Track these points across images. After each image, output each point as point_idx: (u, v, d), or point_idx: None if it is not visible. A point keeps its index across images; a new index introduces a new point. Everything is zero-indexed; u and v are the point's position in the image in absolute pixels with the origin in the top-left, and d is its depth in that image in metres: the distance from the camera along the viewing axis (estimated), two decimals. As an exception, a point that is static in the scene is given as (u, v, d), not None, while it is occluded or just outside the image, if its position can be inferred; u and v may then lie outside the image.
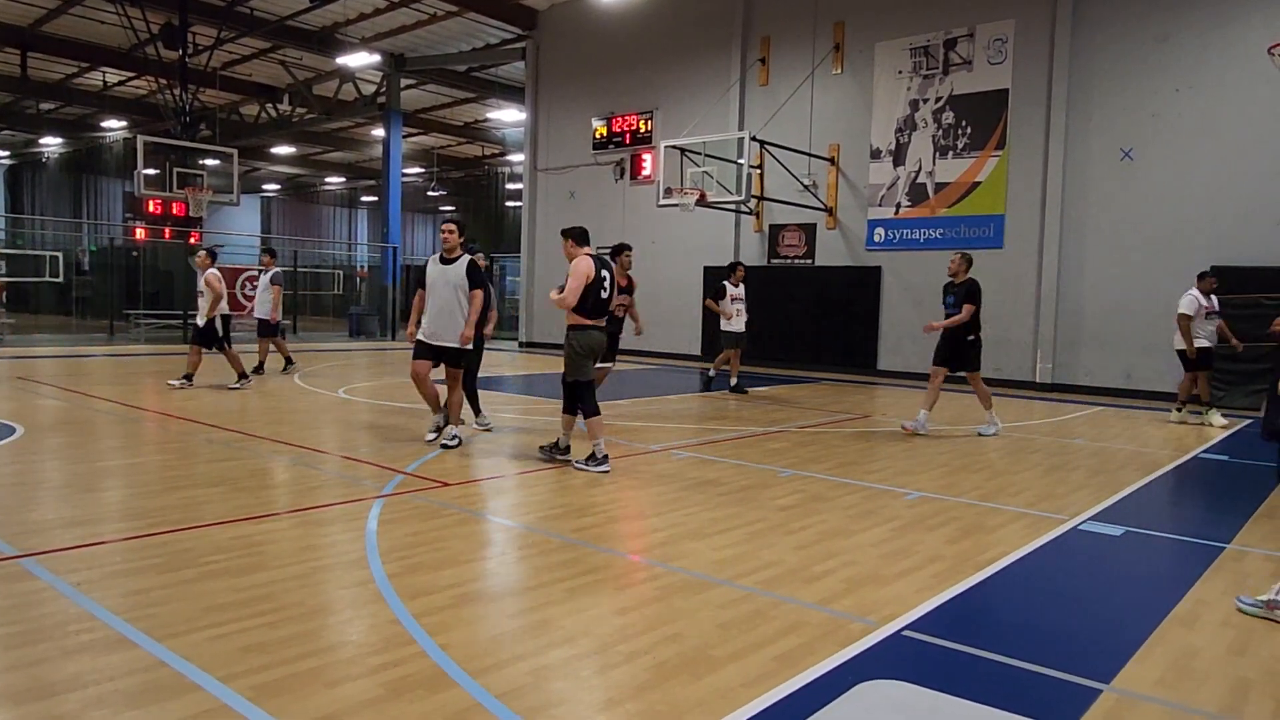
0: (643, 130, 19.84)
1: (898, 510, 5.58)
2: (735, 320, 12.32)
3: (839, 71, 16.72)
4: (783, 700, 2.83)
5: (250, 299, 25.24)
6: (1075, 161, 14.08)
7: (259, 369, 12.62)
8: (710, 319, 18.68)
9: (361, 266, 34.90)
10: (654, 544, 4.67)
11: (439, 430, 7.52)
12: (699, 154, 15.56)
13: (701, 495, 5.82)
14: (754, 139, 15.52)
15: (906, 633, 3.46)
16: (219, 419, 8.49)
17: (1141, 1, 13.47)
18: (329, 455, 6.87)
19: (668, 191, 15.48)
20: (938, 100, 15.52)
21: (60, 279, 25.60)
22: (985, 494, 6.15)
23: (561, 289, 6.64)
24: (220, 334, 11.01)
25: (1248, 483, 7.13)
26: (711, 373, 13.10)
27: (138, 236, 27.52)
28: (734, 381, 12.57)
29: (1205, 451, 8.51)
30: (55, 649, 3.06)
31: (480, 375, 8.65)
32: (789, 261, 17.66)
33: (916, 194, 15.81)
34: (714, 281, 18.51)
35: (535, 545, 4.56)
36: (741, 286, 12.45)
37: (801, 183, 16.73)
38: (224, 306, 10.98)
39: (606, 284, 6.62)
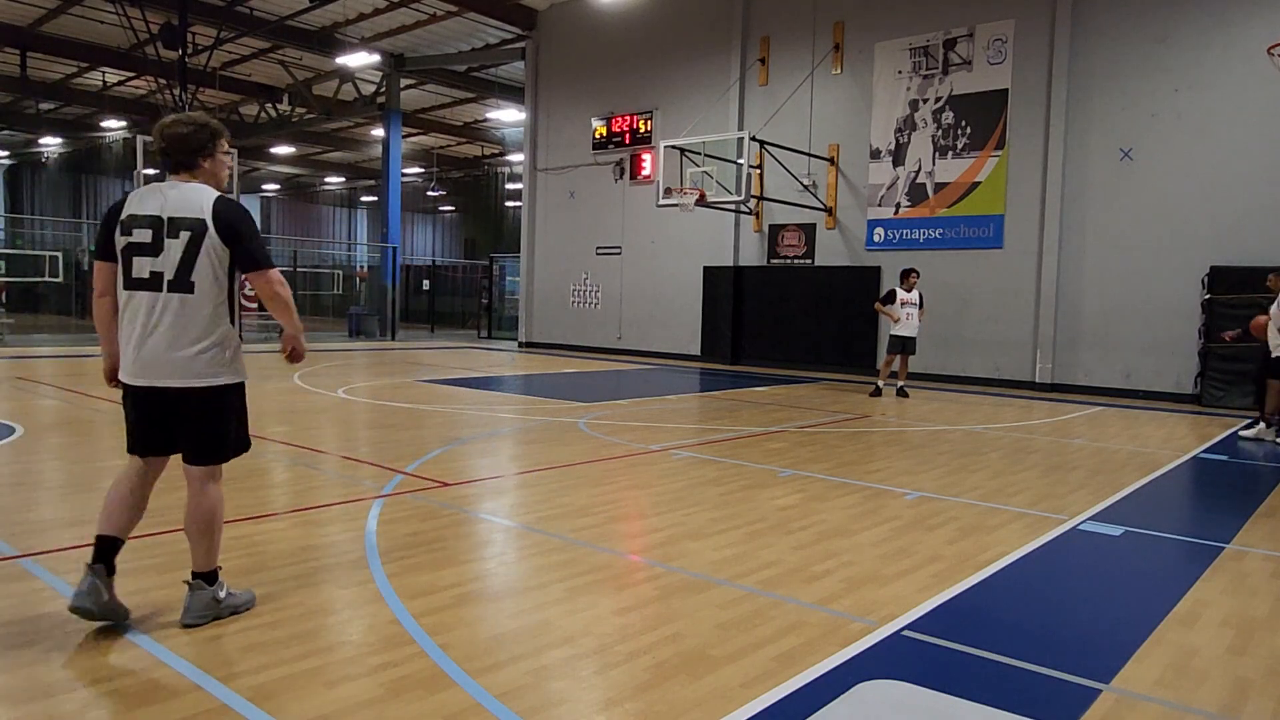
0: (642, 130, 19.84)
1: (898, 510, 5.58)
2: (903, 324, 12.44)
3: (838, 71, 16.72)
4: (782, 700, 2.83)
5: (251, 299, 25.28)
6: (1074, 161, 14.08)
7: None
8: (727, 320, 18.71)
9: (361, 267, 34.90)
10: (654, 544, 4.67)
11: None
12: (698, 154, 15.55)
13: (701, 495, 5.82)
14: (754, 139, 15.51)
15: (906, 633, 3.46)
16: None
17: (1141, 2, 13.48)
18: (329, 455, 6.87)
19: (667, 191, 15.48)
20: (937, 100, 15.52)
21: (60, 279, 25.58)
22: (985, 494, 6.15)
23: None
24: None
25: (1248, 483, 7.13)
26: (881, 383, 12.95)
27: (137, 236, 27.49)
28: (900, 384, 12.71)
29: (1205, 451, 8.51)
30: (55, 649, 3.06)
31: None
32: (788, 261, 17.66)
33: (916, 194, 15.81)
34: (714, 281, 18.61)
35: (535, 545, 4.56)
36: (915, 291, 12.56)
37: (801, 183, 16.73)
38: None
39: None
